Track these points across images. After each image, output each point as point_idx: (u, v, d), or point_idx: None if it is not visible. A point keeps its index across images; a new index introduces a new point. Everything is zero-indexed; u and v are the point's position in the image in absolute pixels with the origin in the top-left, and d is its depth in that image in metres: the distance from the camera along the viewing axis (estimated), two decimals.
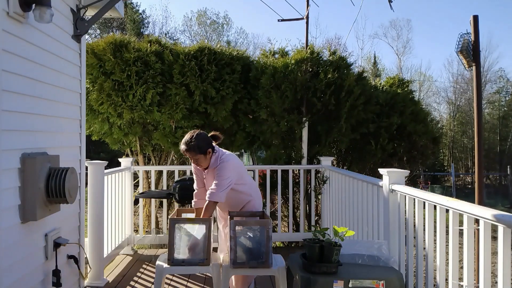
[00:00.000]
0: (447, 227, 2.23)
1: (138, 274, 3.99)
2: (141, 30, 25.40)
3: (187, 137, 2.86)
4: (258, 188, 3.28)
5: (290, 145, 5.54)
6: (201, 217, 2.82)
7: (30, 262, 2.44)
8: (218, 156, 2.93)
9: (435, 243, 2.36)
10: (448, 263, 2.21)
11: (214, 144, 2.98)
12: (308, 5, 6.13)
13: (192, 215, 3.07)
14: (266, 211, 4.89)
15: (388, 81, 6.65)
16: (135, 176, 5.15)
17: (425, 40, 44.81)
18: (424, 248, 2.48)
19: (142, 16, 26.73)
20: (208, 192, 2.83)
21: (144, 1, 39.66)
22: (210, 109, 5.40)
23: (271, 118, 5.34)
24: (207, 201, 2.82)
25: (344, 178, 4.18)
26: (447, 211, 2.23)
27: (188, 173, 4.93)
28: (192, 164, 3.00)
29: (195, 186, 3.16)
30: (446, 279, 2.27)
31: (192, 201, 3.14)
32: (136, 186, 5.23)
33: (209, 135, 2.97)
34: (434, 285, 2.44)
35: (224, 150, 3.03)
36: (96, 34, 24.15)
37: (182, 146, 2.85)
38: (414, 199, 2.60)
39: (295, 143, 5.50)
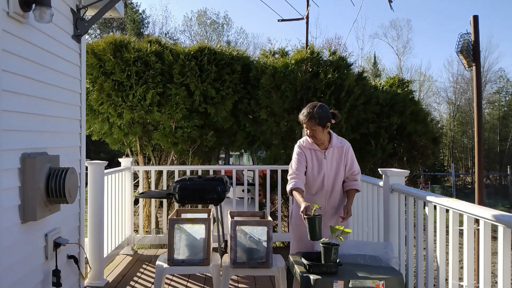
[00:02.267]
0: (447, 227, 2.23)
1: (138, 274, 3.99)
2: (141, 30, 25.40)
3: (309, 106, 2.70)
4: None
5: (290, 145, 5.53)
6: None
7: (30, 262, 2.44)
8: (338, 137, 2.80)
9: (435, 243, 2.36)
10: (448, 263, 2.21)
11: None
12: (308, 5, 6.14)
13: (191, 215, 3.07)
14: (266, 211, 4.89)
15: (388, 81, 6.65)
16: (135, 176, 5.15)
17: (425, 40, 44.85)
18: (424, 248, 2.48)
19: (142, 16, 26.72)
20: (353, 181, 2.72)
21: (144, 1, 39.81)
22: (210, 109, 5.40)
23: (271, 118, 5.34)
24: (352, 190, 2.71)
25: None
26: (447, 211, 2.23)
27: (188, 173, 4.93)
28: (296, 149, 2.78)
29: (292, 171, 2.72)
30: (446, 279, 2.27)
31: (289, 185, 2.65)
32: (136, 186, 5.23)
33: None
34: (434, 285, 2.44)
35: None
36: (96, 34, 24.15)
37: (301, 117, 2.69)
38: (414, 199, 2.60)
39: (295, 143, 5.49)
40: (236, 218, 2.86)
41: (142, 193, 4.47)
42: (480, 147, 6.83)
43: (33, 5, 2.26)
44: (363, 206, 3.53)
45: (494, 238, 1.84)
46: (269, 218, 2.82)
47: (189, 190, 3.58)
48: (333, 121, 2.72)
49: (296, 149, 2.83)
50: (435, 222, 2.36)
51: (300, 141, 2.84)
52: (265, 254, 2.62)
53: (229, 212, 2.99)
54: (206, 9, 36.97)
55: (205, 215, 3.07)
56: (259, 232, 2.64)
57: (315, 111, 2.64)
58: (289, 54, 5.87)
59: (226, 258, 2.85)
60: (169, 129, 5.49)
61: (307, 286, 2.10)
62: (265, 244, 2.62)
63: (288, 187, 2.65)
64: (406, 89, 6.43)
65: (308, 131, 2.70)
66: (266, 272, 2.66)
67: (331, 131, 2.78)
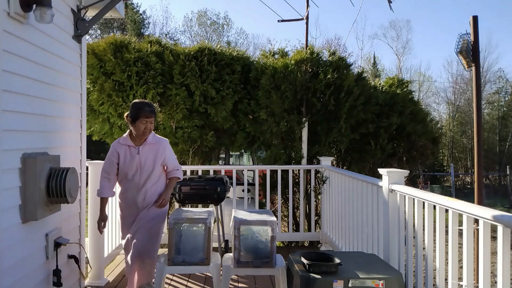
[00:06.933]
0: (447, 227, 2.24)
1: None
2: (142, 30, 25.43)
3: (147, 103, 2.88)
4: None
5: (290, 145, 5.55)
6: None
7: (30, 262, 2.45)
8: (155, 135, 3.00)
9: (435, 243, 2.37)
10: (447, 263, 2.21)
11: None
12: (308, 5, 6.15)
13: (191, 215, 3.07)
14: None
15: (387, 82, 6.66)
16: None
17: (425, 41, 44.89)
18: (424, 248, 2.48)
19: (142, 17, 26.74)
20: (173, 171, 2.99)
21: (144, 2, 39.79)
22: (210, 109, 5.41)
23: (271, 118, 5.34)
24: (174, 177, 3.00)
25: (343, 178, 4.19)
26: (447, 211, 2.24)
27: (188, 173, 4.93)
28: (110, 149, 2.92)
29: (103, 173, 2.92)
30: (446, 279, 2.27)
31: (98, 189, 2.96)
32: None
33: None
34: (433, 285, 2.45)
35: None
36: (97, 35, 24.17)
37: (147, 113, 2.81)
38: (414, 199, 2.61)
39: (295, 143, 5.50)
40: (239, 217, 2.85)
41: None
42: (479, 147, 6.84)
43: (34, 6, 2.27)
44: (363, 207, 3.54)
45: (494, 238, 1.84)
46: (273, 218, 2.82)
47: (189, 190, 3.58)
48: None
49: (110, 149, 2.96)
50: (434, 222, 2.37)
51: (116, 141, 2.97)
52: (269, 253, 2.62)
53: (233, 210, 2.97)
54: (206, 9, 36.99)
55: (205, 215, 3.07)
56: (263, 232, 2.64)
57: (153, 105, 2.93)
58: (289, 55, 5.87)
59: (226, 258, 2.86)
60: (169, 129, 5.50)
61: (307, 286, 2.11)
62: (269, 243, 2.62)
63: (97, 192, 2.97)
64: (405, 89, 6.44)
65: (149, 125, 2.86)
66: (269, 271, 2.66)
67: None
